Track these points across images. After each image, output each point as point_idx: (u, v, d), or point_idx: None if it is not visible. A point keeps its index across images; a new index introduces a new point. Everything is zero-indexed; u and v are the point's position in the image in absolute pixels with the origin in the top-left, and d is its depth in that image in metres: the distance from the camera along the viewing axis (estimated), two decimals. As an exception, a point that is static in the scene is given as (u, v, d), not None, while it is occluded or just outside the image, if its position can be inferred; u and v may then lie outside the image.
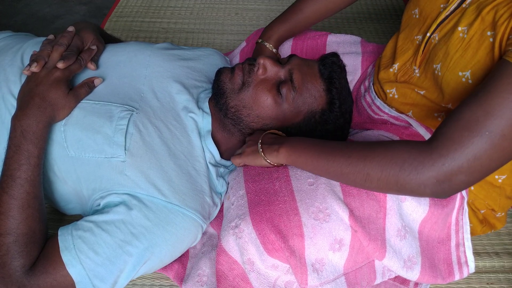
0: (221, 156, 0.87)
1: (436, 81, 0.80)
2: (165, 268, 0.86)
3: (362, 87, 1.03)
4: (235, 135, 0.86)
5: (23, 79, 0.81)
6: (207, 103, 0.88)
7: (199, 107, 0.87)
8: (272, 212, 0.72)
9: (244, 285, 0.76)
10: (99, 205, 0.77)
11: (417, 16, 0.86)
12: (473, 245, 0.93)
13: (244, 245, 0.72)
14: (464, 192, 0.81)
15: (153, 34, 1.59)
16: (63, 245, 0.70)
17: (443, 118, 0.84)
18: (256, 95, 0.81)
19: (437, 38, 0.79)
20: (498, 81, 0.59)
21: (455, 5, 0.77)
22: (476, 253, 0.95)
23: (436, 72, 0.79)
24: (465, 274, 0.81)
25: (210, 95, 0.90)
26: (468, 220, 0.82)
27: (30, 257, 0.70)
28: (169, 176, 0.78)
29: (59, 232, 0.73)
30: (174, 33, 1.59)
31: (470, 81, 0.73)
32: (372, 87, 0.97)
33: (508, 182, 0.83)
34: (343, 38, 1.11)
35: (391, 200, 0.75)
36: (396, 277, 0.84)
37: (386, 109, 0.93)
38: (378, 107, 0.95)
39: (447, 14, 0.78)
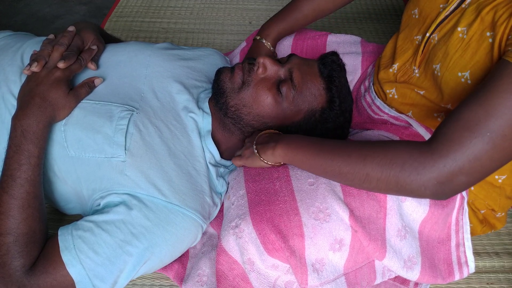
0: (221, 156, 0.87)
1: (436, 81, 0.80)
2: (165, 268, 0.86)
3: (362, 87, 1.03)
4: (235, 134, 0.86)
5: (23, 79, 0.80)
6: (207, 103, 0.88)
7: (199, 107, 0.88)
8: (272, 212, 0.72)
9: (244, 285, 0.77)
10: (99, 205, 0.77)
11: (416, 16, 0.86)
12: (473, 245, 0.93)
13: (244, 245, 0.72)
14: (464, 192, 0.81)
15: (153, 34, 1.59)
16: (63, 245, 0.70)
17: (442, 118, 0.84)
18: (256, 94, 0.81)
19: (436, 38, 0.79)
20: (499, 81, 0.59)
21: (455, 5, 0.77)
22: (476, 253, 0.95)
23: (435, 72, 0.79)
24: (465, 274, 0.81)
25: (210, 95, 0.90)
26: (468, 220, 0.82)
27: (30, 257, 0.70)
28: (169, 176, 0.78)
29: (59, 232, 0.73)
30: (174, 33, 1.59)
31: (469, 82, 0.72)
32: (372, 87, 0.97)
33: (508, 182, 0.83)
34: (343, 38, 1.11)
35: (392, 200, 0.75)
36: (396, 277, 0.84)
37: (386, 109, 0.93)
38: (378, 107, 0.95)
39: (446, 14, 0.78)
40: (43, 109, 0.74)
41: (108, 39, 0.99)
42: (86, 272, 0.70)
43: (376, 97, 0.95)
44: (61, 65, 0.77)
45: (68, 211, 0.88)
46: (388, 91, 0.91)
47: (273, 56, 1.04)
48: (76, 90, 0.79)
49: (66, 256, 0.69)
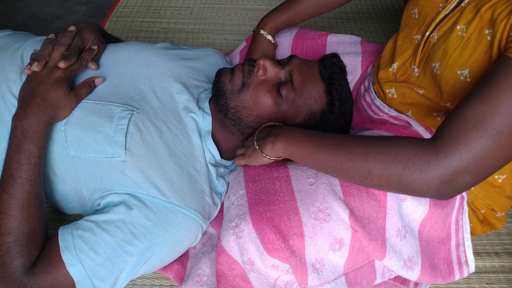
0: (221, 156, 0.87)
1: (435, 80, 0.80)
2: (165, 268, 0.86)
3: (362, 87, 1.03)
4: (235, 135, 0.86)
5: (23, 78, 0.80)
6: (208, 103, 0.88)
7: (199, 107, 0.88)
8: (272, 212, 0.72)
9: (244, 285, 0.77)
10: (99, 204, 0.77)
11: (416, 16, 0.86)
12: (473, 245, 0.93)
13: (244, 245, 0.72)
14: (464, 192, 0.81)
15: (153, 34, 1.59)
16: (63, 244, 0.70)
17: (442, 118, 0.84)
18: (256, 96, 0.81)
19: (436, 37, 0.79)
20: (503, 78, 0.58)
21: (454, 4, 0.77)
22: (476, 253, 0.95)
23: (434, 70, 0.79)
24: (465, 274, 0.81)
25: (210, 95, 0.90)
26: (468, 220, 0.82)
27: (30, 256, 0.70)
28: (169, 176, 0.78)
29: (59, 232, 0.73)
30: (174, 33, 1.59)
31: (468, 80, 0.72)
32: (372, 87, 0.97)
33: (508, 182, 0.83)
34: (343, 38, 1.11)
35: (391, 200, 0.75)
36: (396, 277, 0.84)
37: (386, 109, 0.93)
38: (378, 107, 0.95)
39: (446, 13, 0.78)
40: (44, 109, 0.74)
41: (108, 39, 0.99)
42: (86, 271, 0.70)
43: (376, 97, 0.95)
44: (61, 65, 0.77)
45: (68, 211, 0.88)
46: (387, 90, 0.91)
47: (272, 46, 1.04)
48: (77, 90, 0.79)
49: (66, 256, 0.70)
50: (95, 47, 0.85)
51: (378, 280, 0.81)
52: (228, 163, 0.90)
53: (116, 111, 0.80)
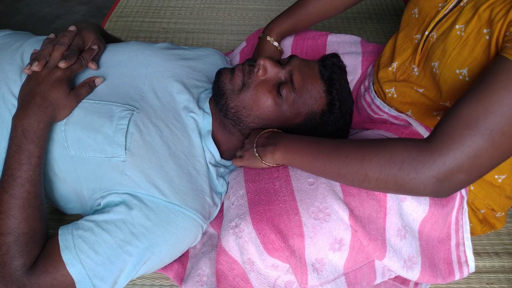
0: (221, 156, 0.87)
1: (434, 79, 0.80)
2: (165, 268, 0.86)
3: (362, 87, 1.03)
4: (235, 135, 0.86)
5: (23, 78, 0.80)
6: (208, 103, 0.88)
7: (199, 107, 0.88)
8: (272, 212, 0.72)
9: (244, 285, 0.77)
10: (100, 204, 0.77)
11: (416, 16, 0.86)
12: (473, 245, 0.93)
13: (244, 244, 0.72)
14: (463, 192, 0.81)
15: (153, 34, 1.59)
16: (64, 244, 0.70)
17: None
18: (256, 96, 0.81)
19: (435, 37, 0.79)
20: (497, 78, 0.59)
21: (453, 3, 0.77)
22: (476, 253, 0.95)
23: (434, 70, 0.79)
24: (465, 274, 0.81)
25: (210, 95, 0.90)
26: (468, 220, 0.82)
27: (30, 256, 0.70)
28: (169, 176, 0.78)
29: (60, 232, 0.73)
30: (174, 33, 1.59)
31: (467, 79, 0.73)
32: (372, 87, 0.97)
33: (507, 181, 0.83)
34: (343, 38, 1.11)
35: (391, 199, 0.75)
36: (396, 277, 0.84)
37: (386, 108, 0.93)
38: (378, 107, 0.95)
39: (445, 12, 0.78)
40: (44, 108, 0.74)
41: (108, 39, 0.99)
42: (86, 271, 0.70)
43: (376, 96, 0.95)
44: (62, 64, 0.77)
45: (68, 211, 0.88)
46: (387, 90, 0.91)
47: (278, 52, 1.04)
48: (77, 90, 0.79)
49: (66, 256, 0.70)
50: (95, 47, 0.85)
51: (378, 280, 0.81)
52: (228, 163, 0.90)
53: (116, 111, 0.80)
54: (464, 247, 0.81)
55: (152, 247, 0.74)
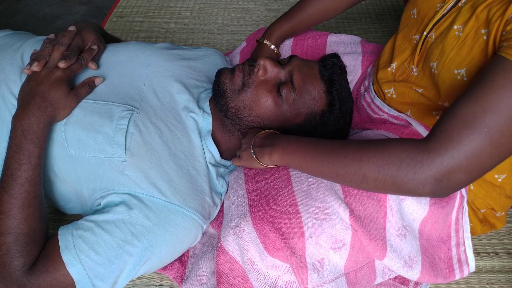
0: (221, 156, 0.87)
1: (433, 79, 0.80)
2: (165, 268, 0.86)
3: (362, 87, 1.03)
4: (235, 135, 0.86)
5: (23, 78, 0.80)
6: (208, 103, 0.88)
7: (199, 107, 0.88)
8: (272, 212, 0.72)
9: (244, 285, 0.76)
10: (100, 204, 0.77)
11: (415, 16, 0.86)
12: (473, 245, 0.93)
13: (244, 244, 0.72)
14: (463, 191, 0.81)
15: (153, 34, 1.59)
16: (64, 244, 0.70)
17: (441, 117, 0.84)
18: (256, 96, 0.81)
19: (433, 37, 0.80)
20: (495, 77, 0.59)
21: (452, 4, 0.77)
22: (476, 253, 0.95)
23: (432, 70, 0.79)
24: (466, 273, 0.81)
25: (210, 95, 0.90)
26: (468, 219, 0.82)
27: (30, 256, 0.70)
28: (169, 176, 0.78)
29: (60, 232, 0.73)
30: (174, 33, 1.59)
31: (465, 79, 0.73)
32: (372, 87, 0.97)
33: (508, 181, 0.83)
34: (343, 38, 1.11)
35: (392, 199, 0.75)
36: (396, 277, 0.84)
37: (386, 108, 0.93)
38: (378, 107, 0.95)
39: (443, 13, 0.78)
40: (44, 108, 0.74)
41: (108, 39, 0.99)
42: (86, 271, 0.70)
43: (376, 96, 0.96)
44: (61, 64, 0.77)
45: (68, 211, 0.88)
46: (386, 90, 0.91)
47: (275, 56, 1.04)
48: (77, 90, 0.79)
49: (66, 256, 0.70)
50: (95, 47, 0.85)
51: (378, 280, 0.81)
52: (228, 163, 0.89)
53: (116, 111, 0.80)
54: (465, 246, 0.81)
55: (152, 247, 0.74)
